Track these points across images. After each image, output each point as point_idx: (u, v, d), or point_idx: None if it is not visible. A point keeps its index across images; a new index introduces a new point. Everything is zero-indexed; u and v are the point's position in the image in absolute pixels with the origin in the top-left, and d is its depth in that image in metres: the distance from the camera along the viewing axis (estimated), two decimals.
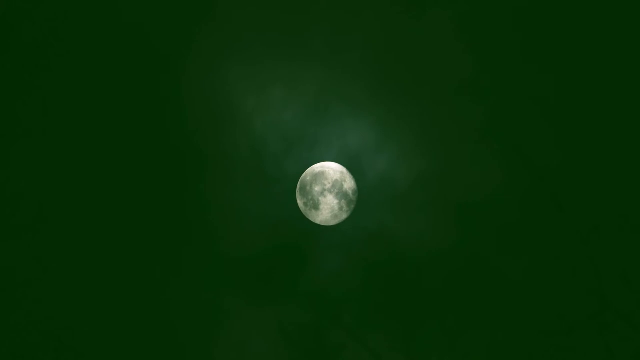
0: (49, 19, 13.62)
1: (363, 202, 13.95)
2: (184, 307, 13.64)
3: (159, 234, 13.73)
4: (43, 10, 13.61)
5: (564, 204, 13.33)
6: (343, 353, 13.64)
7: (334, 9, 13.75)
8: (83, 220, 13.63)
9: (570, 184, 13.36)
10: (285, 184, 13.96)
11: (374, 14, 13.76)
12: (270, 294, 13.74)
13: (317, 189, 13.85)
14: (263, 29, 13.80)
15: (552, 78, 13.48)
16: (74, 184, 13.64)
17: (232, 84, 13.79)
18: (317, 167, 13.90)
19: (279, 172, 13.92)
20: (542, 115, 13.45)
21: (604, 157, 13.35)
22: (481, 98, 13.59)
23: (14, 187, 13.45)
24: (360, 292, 13.71)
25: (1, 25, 13.55)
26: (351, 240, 13.85)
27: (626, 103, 13.38)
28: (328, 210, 13.87)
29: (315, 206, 13.85)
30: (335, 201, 13.86)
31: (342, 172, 13.89)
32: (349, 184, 13.86)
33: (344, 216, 13.90)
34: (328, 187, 13.84)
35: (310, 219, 13.91)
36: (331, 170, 13.89)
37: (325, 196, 13.84)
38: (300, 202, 13.88)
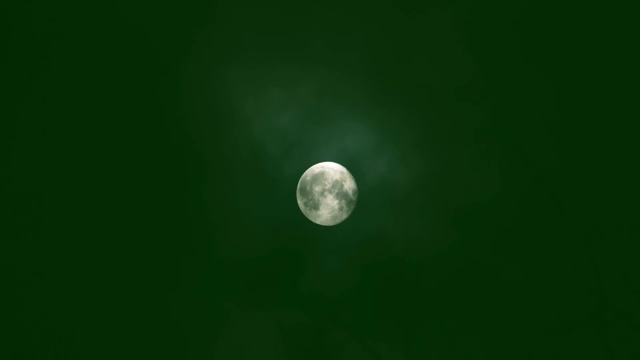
0: (49, 19, 13.62)
1: (362, 204, 13.96)
2: (184, 309, 13.63)
3: (159, 236, 13.72)
4: (43, 10, 13.61)
5: (564, 204, 13.34)
6: (343, 353, 13.64)
7: (334, 8, 13.77)
8: (83, 221, 13.62)
9: (570, 184, 13.38)
10: (284, 185, 13.96)
11: (373, 14, 13.77)
12: (270, 295, 13.73)
13: (317, 189, 13.85)
14: (262, 30, 13.81)
15: (552, 78, 13.50)
16: (74, 185, 13.64)
17: (231, 85, 13.79)
18: (318, 167, 13.90)
19: (279, 174, 13.92)
20: (542, 115, 13.46)
21: (603, 157, 13.36)
22: (481, 99, 13.60)
23: (14, 187, 13.45)
24: (359, 293, 13.71)
25: (1, 25, 13.55)
26: (351, 242, 13.85)
27: (626, 103, 13.40)
28: (328, 210, 13.87)
29: (316, 206, 13.86)
30: (335, 201, 13.87)
31: (342, 172, 13.89)
32: (349, 184, 13.86)
33: (344, 216, 13.90)
34: (328, 187, 13.84)
35: (310, 219, 13.92)
36: (331, 170, 13.90)
37: (325, 196, 13.84)
38: (300, 202, 13.89)
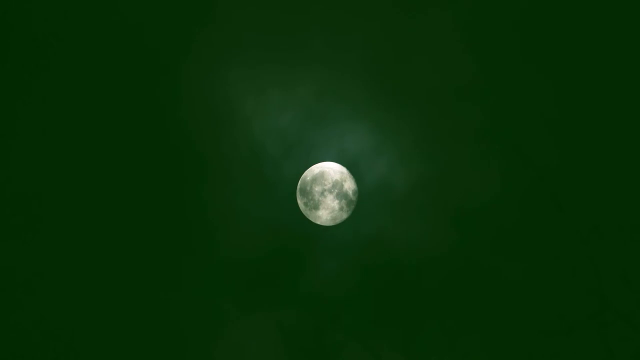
0: (49, 19, 13.62)
1: (363, 204, 13.95)
2: (184, 310, 13.62)
3: (159, 236, 13.71)
4: (43, 10, 13.61)
5: (564, 204, 13.34)
6: (343, 354, 13.63)
7: (334, 8, 13.77)
8: (83, 221, 13.62)
9: (570, 184, 13.38)
10: (284, 186, 13.96)
11: (373, 14, 13.77)
12: (271, 295, 13.73)
13: (317, 189, 13.85)
14: (262, 30, 13.81)
15: (552, 78, 13.50)
16: (73, 185, 13.64)
17: (231, 85, 13.78)
18: (318, 167, 13.90)
19: (278, 174, 13.91)
20: (542, 115, 13.46)
21: (603, 157, 13.36)
22: (481, 99, 13.59)
23: (14, 187, 13.44)
24: (360, 293, 13.70)
25: (1, 25, 13.55)
26: (350, 243, 13.84)
27: (626, 103, 13.40)
28: (328, 210, 13.87)
29: (316, 206, 13.86)
30: (336, 201, 13.87)
31: (342, 173, 13.89)
32: (349, 184, 13.86)
33: (344, 216, 13.90)
34: (328, 187, 13.84)
35: (310, 219, 13.92)
36: (331, 170, 13.90)
37: (325, 196, 13.84)
38: (300, 202, 13.88)
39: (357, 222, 13.93)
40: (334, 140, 13.90)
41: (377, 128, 13.85)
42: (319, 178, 13.87)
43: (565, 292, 13.25)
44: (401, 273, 13.65)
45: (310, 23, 13.75)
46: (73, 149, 13.65)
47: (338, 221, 13.91)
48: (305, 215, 13.90)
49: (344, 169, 13.90)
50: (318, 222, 13.92)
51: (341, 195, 13.86)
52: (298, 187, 13.90)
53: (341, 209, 13.88)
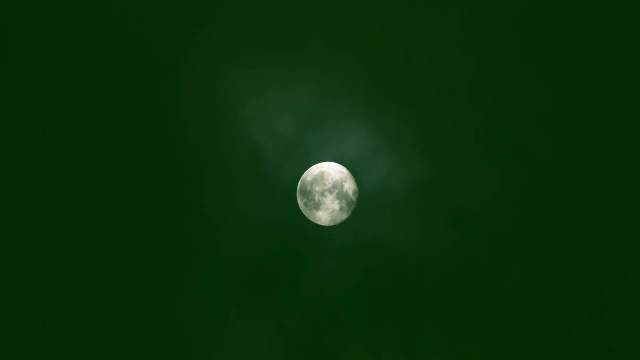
0: (49, 19, 13.62)
1: (363, 205, 13.95)
2: (184, 311, 13.62)
3: (159, 239, 13.71)
4: (43, 10, 13.61)
5: (564, 204, 13.34)
6: (343, 354, 13.63)
7: (334, 8, 13.76)
8: (83, 222, 13.62)
9: (570, 184, 13.38)
10: (284, 186, 13.95)
11: (373, 14, 13.77)
12: (271, 296, 13.73)
13: (317, 189, 13.85)
14: (262, 30, 13.80)
15: (552, 78, 13.50)
16: (74, 185, 13.63)
17: (231, 86, 13.77)
18: (318, 167, 13.90)
19: (278, 175, 13.91)
20: (542, 115, 13.46)
21: (603, 157, 13.36)
22: (481, 99, 13.60)
23: (14, 187, 13.44)
24: (360, 294, 13.70)
25: (1, 25, 13.55)
26: (351, 244, 13.84)
27: (626, 103, 13.40)
28: (328, 210, 13.87)
29: (316, 206, 13.86)
30: (336, 201, 13.87)
31: (342, 173, 13.89)
32: (349, 184, 13.86)
33: (344, 216, 13.90)
34: (328, 187, 13.84)
35: (310, 219, 13.92)
36: (331, 170, 13.90)
37: (325, 196, 13.84)
38: (300, 203, 13.88)
39: (357, 223, 13.93)
40: (333, 141, 13.91)
41: (377, 129, 13.85)
42: (319, 178, 13.87)
43: (565, 292, 13.25)
44: (401, 273, 13.65)
45: (310, 23, 13.75)
46: (73, 149, 13.65)
47: (338, 221, 13.91)
48: (306, 216, 13.90)
49: (344, 169, 13.90)
50: (318, 222, 13.92)
51: (341, 195, 13.86)
52: (298, 187, 13.90)
53: (341, 209, 13.88)
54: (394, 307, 13.66)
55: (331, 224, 13.93)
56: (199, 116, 13.78)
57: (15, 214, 13.41)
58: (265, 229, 13.81)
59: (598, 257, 13.21)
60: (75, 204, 13.61)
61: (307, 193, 13.86)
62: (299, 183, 13.90)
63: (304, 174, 13.91)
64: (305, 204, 13.87)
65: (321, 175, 13.88)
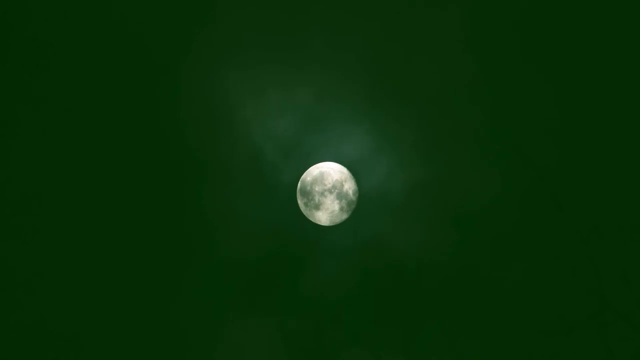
0: (49, 19, 13.62)
1: (362, 207, 13.95)
2: (184, 312, 13.62)
3: (159, 239, 13.71)
4: (43, 10, 13.61)
5: (564, 204, 13.34)
6: (343, 355, 13.63)
7: (334, 9, 13.76)
8: (82, 222, 13.63)
9: (570, 184, 13.38)
10: (284, 187, 13.96)
11: (373, 14, 13.77)
12: (271, 297, 13.73)
13: (317, 189, 13.85)
14: (262, 30, 13.80)
15: (552, 78, 13.51)
16: (74, 185, 13.64)
17: (231, 86, 13.77)
18: (318, 167, 13.90)
19: (278, 176, 13.91)
20: (542, 115, 13.47)
21: (603, 157, 13.36)
22: (481, 99, 13.60)
23: (14, 187, 13.45)
24: (360, 295, 13.70)
25: (1, 25, 13.56)
26: (351, 245, 13.84)
27: (626, 103, 13.40)
28: (328, 210, 13.87)
29: (316, 206, 13.86)
30: (336, 201, 13.87)
31: (342, 173, 13.89)
32: (349, 184, 13.86)
33: (344, 216, 13.90)
34: (328, 187, 13.84)
35: (311, 219, 13.92)
36: (331, 170, 13.90)
37: (325, 196, 13.85)
38: (300, 203, 13.89)
39: (357, 223, 13.93)
40: (333, 141, 13.91)
41: (377, 129, 13.85)
42: (319, 178, 13.88)
43: (565, 292, 13.25)
44: (401, 274, 13.65)
45: (310, 23, 13.75)
46: (73, 149, 13.66)
47: (338, 221, 13.91)
48: (306, 216, 13.91)
49: (344, 169, 13.90)
50: (318, 223, 13.92)
51: (341, 195, 13.86)
52: (298, 187, 13.90)
53: (341, 209, 13.88)
54: (394, 308, 13.66)
55: (331, 224, 13.93)
56: (199, 116, 13.79)
57: (15, 214, 13.42)
58: (265, 230, 13.82)
59: (598, 257, 13.21)
60: (75, 204, 13.62)
61: (307, 193, 13.87)
62: (299, 183, 13.91)
63: (304, 174, 13.92)
64: (306, 204, 13.87)
65: (321, 176, 13.89)
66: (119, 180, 13.72)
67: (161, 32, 13.77)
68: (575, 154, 13.38)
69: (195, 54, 13.78)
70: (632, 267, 13.11)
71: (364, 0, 13.76)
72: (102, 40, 13.69)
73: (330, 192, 13.84)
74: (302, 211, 13.90)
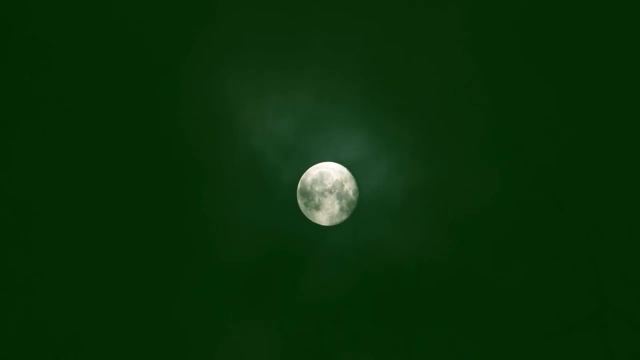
0: (49, 19, 13.62)
1: (362, 208, 13.94)
2: (184, 314, 13.60)
3: (158, 240, 13.70)
4: (43, 10, 13.61)
5: (564, 204, 13.34)
6: (342, 356, 13.63)
7: (334, 9, 13.76)
8: (82, 222, 13.62)
9: (570, 184, 13.38)
10: (284, 188, 13.94)
11: (373, 15, 13.76)
12: (271, 299, 13.72)
13: (317, 189, 13.85)
14: (262, 30, 13.80)
15: (552, 78, 13.50)
16: (73, 185, 13.63)
17: (230, 86, 13.77)
18: (318, 167, 13.90)
19: (278, 177, 13.89)
20: (542, 115, 13.46)
21: (603, 157, 13.36)
22: (481, 99, 13.60)
23: (14, 187, 13.45)
24: (359, 298, 13.69)
25: (1, 25, 13.55)
26: (351, 247, 13.82)
27: (626, 103, 13.40)
28: (329, 210, 13.87)
29: (316, 207, 13.86)
30: (336, 201, 13.87)
31: (342, 173, 13.89)
32: (350, 184, 13.86)
33: (345, 217, 13.90)
34: (329, 187, 13.84)
35: (310, 219, 13.91)
36: (332, 170, 13.90)
37: (325, 197, 13.84)
38: (300, 203, 13.88)
39: (357, 224, 13.92)
40: (334, 141, 13.90)
41: (377, 130, 13.84)
42: (319, 178, 13.87)
43: (565, 292, 13.25)
44: (401, 276, 13.65)
45: (310, 23, 13.75)
46: (73, 149, 13.65)
47: (338, 221, 13.91)
48: (306, 216, 13.90)
49: (344, 169, 13.90)
50: (318, 223, 13.92)
51: (341, 195, 13.86)
52: (298, 187, 13.90)
53: (342, 209, 13.88)
54: (394, 308, 13.66)
55: (331, 224, 13.93)
56: (199, 116, 13.78)
57: (15, 214, 13.42)
58: (265, 230, 13.81)
59: (598, 257, 13.21)
60: (75, 204, 13.61)
61: (307, 193, 13.86)
62: (299, 183, 13.90)
63: (304, 174, 13.91)
64: (306, 204, 13.87)
65: (321, 176, 13.88)
66: (119, 180, 13.72)
67: (161, 32, 13.77)
68: (575, 154, 13.38)
69: (195, 54, 13.78)
70: (632, 267, 13.11)
71: (364, 0, 13.76)
72: (102, 40, 13.69)
73: (331, 192, 13.84)
74: (302, 211, 13.90)
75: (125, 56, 13.71)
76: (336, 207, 13.87)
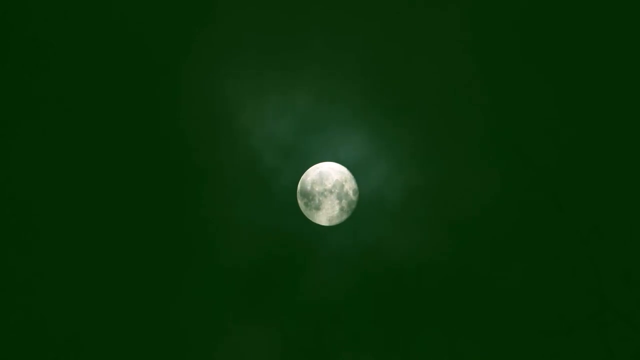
0: (49, 19, 13.62)
1: (362, 209, 13.95)
2: (184, 315, 13.60)
3: (158, 241, 13.70)
4: (43, 10, 13.61)
5: (564, 204, 13.35)
6: (342, 356, 13.63)
7: (334, 9, 13.76)
8: (82, 222, 13.61)
9: (570, 184, 13.38)
10: (284, 189, 13.94)
11: (373, 15, 13.77)
12: (271, 300, 13.72)
13: (317, 189, 13.85)
14: (262, 30, 13.80)
15: (552, 78, 13.51)
16: (73, 185, 13.63)
17: (230, 87, 13.77)
18: (318, 167, 13.90)
19: (277, 178, 13.89)
20: (542, 115, 13.47)
21: (603, 157, 13.37)
22: (481, 99, 13.60)
23: (14, 187, 13.44)
24: (359, 299, 13.69)
25: (1, 25, 13.55)
26: (351, 248, 13.82)
27: (626, 103, 13.40)
28: (329, 210, 13.87)
29: (317, 207, 13.86)
30: (336, 201, 13.87)
31: (342, 172, 13.89)
32: (350, 184, 13.86)
33: (345, 217, 13.90)
34: (329, 187, 13.84)
35: (311, 219, 13.91)
36: (332, 170, 13.90)
37: (325, 196, 13.84)
38: (301, 203, 13.88)
39: (357, 225, 13.92)
40: (334, 141, 13.90)
41: (376, 131, 13.84)
42: (319, 179, 13.87)
43: (565, 292, 13.25)
44: (401, 275, 13.65)
45: (310, 23, 13.75)
46: (73, 149, 13.65)
47: (339, 221, 13.91)
48: (306, 216, 13.90)
49: (344, 169, 13.90)
50: (319, 223, 13.92)
51: (342, 195, 13.86)
52: (298, 188, 13.89)
53: (342, 209, 13.88)
54: (394, 309, 13.66)
55: (332, 224, 13.93)
56: (199, 116, 13.78)
57: (15, 214, 13.42)
58: (265, 230, 13.81)
59: (598, 257, 13.22)
60: (75, 204, 13.61)
61: (307, 193, 13.86)
62: (299, 183, 13.90)
63: (304, 174, 13.91)
64: (306, 204, 13.86)
65: (321, 176, 13.88)
66: (119, 180, 13.72)
67: (161, 32, 13.77)
68: (575, 154, 13.38)
69: (195, 54, 13.78)
70: (632, 267, 13.12)
71: (364, 0, 13.76)
72: (102, 40, 13.69)
73: (331, 192, 13.84)
74: (303, 211, 13.90)
75: (125, 56, 13.71)
76: (336, 207, 13.87)
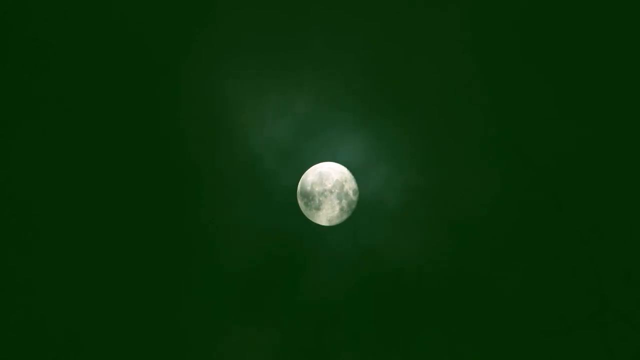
0: (49, 19, 13.63)
1: (362, 211, 13.95)
2: (184, 316, 13.60)
3: (158, 242, 13.70)
4: (43, 10, 13.62)
5: (564, 204, 13.35)
6: (342, 356, 13.63)
7: (334, 9, 13.77)
8: (82, 222, 13.62)
9: (570, 184, 13.39)
10: (283, 190, 13.95)
11: (373, 15, 13.78)
12: (271, 298, 13.73)
13: (317, 189, 13.85)
14: (262, 31, 13.81)
15: (552, 78, 13.52)
16: (73, 185, 13.64)
17: (230, 87, 13.77)
18: (318, 167, 13.91)
19: (277, 179, 13.90)
20: (542, 115, 13.48)
21: (603, 157, 13.37)
22: (481, 99, 13.61)
23: (14, 187, 13.45)
24: (359, 300, 13.70)
25: (1, 25, 13.56)
26: (350, 249, 13.83)
27: (626, 103, 13.41)
28: (329, 210, 13.87)
29: (317, 207, 13.86)
30: (336, 201, 13.87)
31: (342, 173, 13.90)
32: (350, 184, 13.87)
33: (345, 217, 13.90)
34: (329, 187, 13.84)
35: (311, 219, 13.92)
36: (332, 170, 13.90)
37: (326, 197, 13.85)
38: (301, 203, 13.88)
39: (357, 225, 13.92)
40: (333, 141, 13.91)
41: (376, 132, 13.85)
42: (319, 179, 13.88)
43: (565, 292, 13.26)
44: (401, 276, 13.66)
45: (310, 23, 13.76)
46: (73, 149, 13.66)
47: (339, 222, 13.91)
48: (306, 216, 13.91)
49: (344, 169, 13.90)
50: (319, 223, 13.92)
51: (342, 195, 13.86)
52: (298, 188, 13.90)
53: (342, 209, 13.88)
54: (394, 309, 13.66)
55: (332, 225, 13.93)
56: (199, 117, 13.79)
57: (15, 214, 13.42)
58: (266, 231, 13.81)
59: (598, 257, 13.22)
60: (75, 204, 13.61)
61: (307, 194, 13.87)
62: (299, 184, 13.90)
63: (304, 174, 13.92)
64: (306, 205, 13.87)
65: (321, 176, 13.88)
66: (119, 181, 13.72)
67: (161, 32, 13.77)
68: (575, 154, 13.39)
69: (195, 54, 13.78)
70: (632, 267, 13.12)
71: (364, 0, 13.77)
72: (102, 40, 13.70)
73: (331, 192, 13.84)
74: (303, 212, 13.90)
75: (125, 56, 13.72)
76: (336, 208, 13.87)
